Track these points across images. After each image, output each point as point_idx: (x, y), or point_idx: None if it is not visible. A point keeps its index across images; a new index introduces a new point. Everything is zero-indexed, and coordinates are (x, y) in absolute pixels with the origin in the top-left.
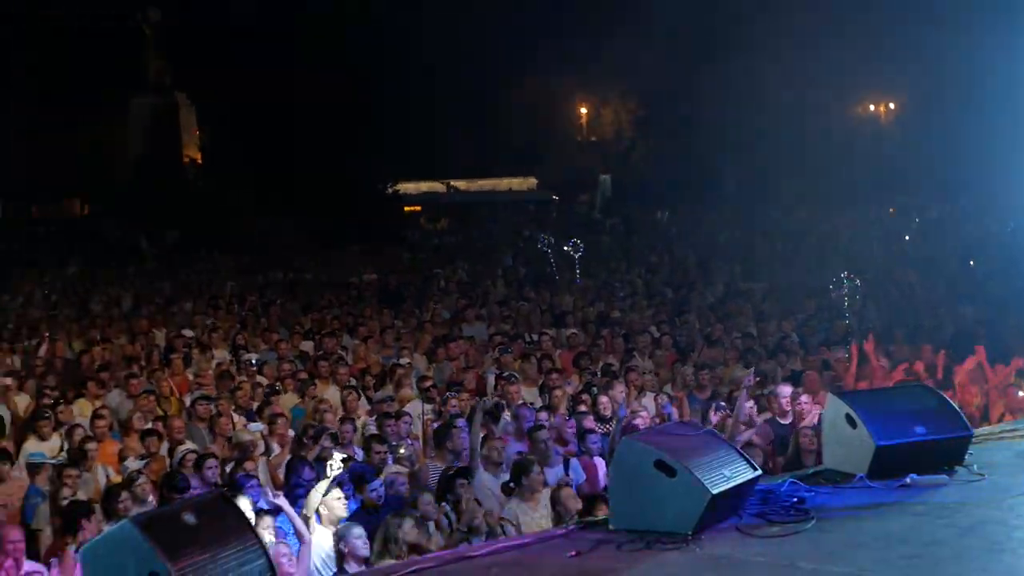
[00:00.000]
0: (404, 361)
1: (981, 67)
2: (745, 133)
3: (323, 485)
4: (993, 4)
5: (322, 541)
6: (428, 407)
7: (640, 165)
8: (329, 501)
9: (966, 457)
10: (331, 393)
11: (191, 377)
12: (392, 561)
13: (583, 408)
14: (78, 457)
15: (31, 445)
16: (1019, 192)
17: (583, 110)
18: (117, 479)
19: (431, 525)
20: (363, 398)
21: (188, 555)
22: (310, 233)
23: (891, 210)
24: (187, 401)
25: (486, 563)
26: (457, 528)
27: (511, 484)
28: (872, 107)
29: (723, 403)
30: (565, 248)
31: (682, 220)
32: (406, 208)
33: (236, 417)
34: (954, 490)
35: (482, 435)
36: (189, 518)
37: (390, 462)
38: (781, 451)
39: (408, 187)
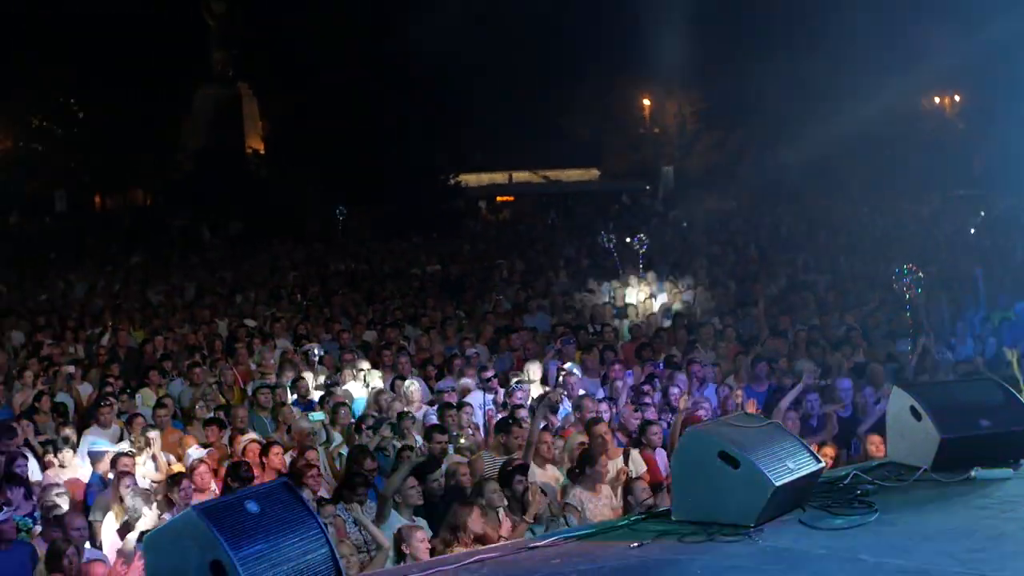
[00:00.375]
0: (471, 351)
1: None
2: (809, 125)
3: (404, 470)
4: None
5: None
6: (489, 397)
7: (703, 157)
8: (404, 489)
9: None
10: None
11: (253, 367)
12: (459, 549)
13: (646, 400)
14: (139, 446)
15: (92, 432)
16: None
17: (646, 102)
18: (179, 468)
19: (499, 513)
20: (425, 388)
21: (251, 543)
22: (373, 224)
23: (955, 202)
24: (249, 390)
25: (549, 553)
26: (523, 519)
27: (576, 471)
28: (937, 99)
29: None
30: (628, 241)
31: (745, 212)
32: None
33: (296, 407)
34: (1019, 484)
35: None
36: (252, 507)
37: (451, 452)
38: (844, 444)
39: (470, 178)
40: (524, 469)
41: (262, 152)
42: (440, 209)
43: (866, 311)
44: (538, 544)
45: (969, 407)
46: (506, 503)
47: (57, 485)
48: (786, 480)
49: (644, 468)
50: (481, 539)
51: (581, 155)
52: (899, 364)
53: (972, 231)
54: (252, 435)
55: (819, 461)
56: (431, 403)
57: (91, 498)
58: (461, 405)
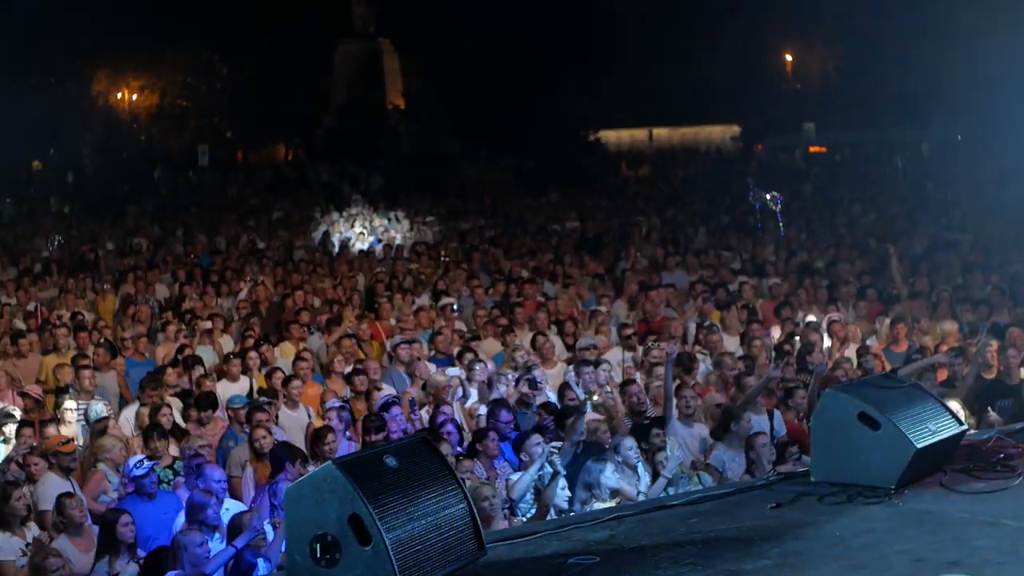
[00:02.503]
0: (603, 308)
1: None
2: (955, 81)
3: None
4: None
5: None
6: (628, 355)
7: (845, 113)
8: (528, 447)
9: None
10: (530, 340)
11: (393, 322)
12: (596, 505)
13: (786, 360)
14: (272, 399)
15: (220, 387)
16: None
17: (788, 57)
18: (319, 422)
19: (638, 470)
20: (562, 345)
21: (389, 497)
22: (513, 180)
23: None
24: (388, 346)
25: (686, 512)
26: (662, 475)
27: (719, 429)
28: None
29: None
30: (768, 196)
31: (887, 170)
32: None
33: (433, 363)
34: None
35: (675, 385)
36: (391, 461)
37: (589, 409)
38: (983, 406)
39: (609, 134)
40: (661, 423)
41: (403, 108)
42: (579, 165)
43: (1012, 271)
44: (675, 503)
45: None
46: (643, 459)
47: (199, 437)
48: (928, 442)
49: (785, 430)
50: (616, 495)
51: (721, 111)
52: None
53: None
54: (389, 390)
55: (962, 424)
56: (568, 361)
57: (223, 453)
58: (599, 363)
